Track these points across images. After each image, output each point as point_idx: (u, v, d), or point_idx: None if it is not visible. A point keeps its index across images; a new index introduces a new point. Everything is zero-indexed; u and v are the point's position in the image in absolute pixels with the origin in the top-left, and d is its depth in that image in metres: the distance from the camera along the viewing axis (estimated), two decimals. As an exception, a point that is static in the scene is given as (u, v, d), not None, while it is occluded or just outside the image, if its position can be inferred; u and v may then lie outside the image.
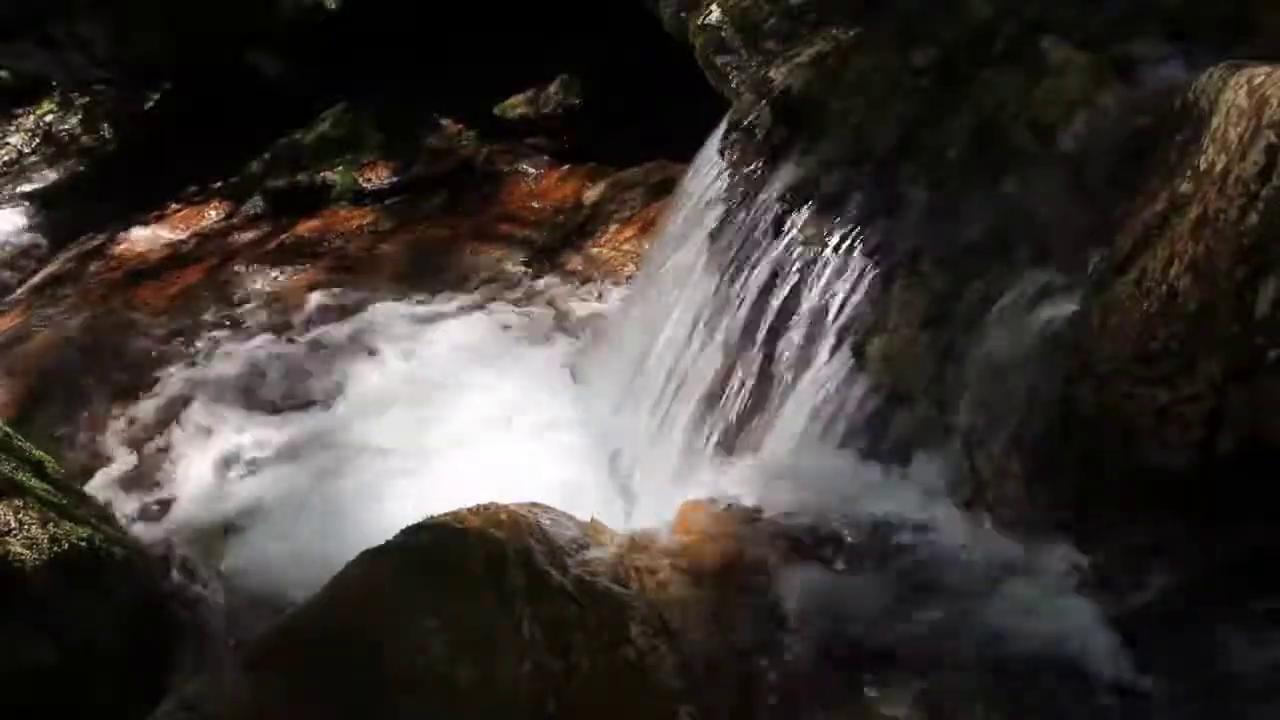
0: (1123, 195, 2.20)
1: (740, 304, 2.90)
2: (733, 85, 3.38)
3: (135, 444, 3.98)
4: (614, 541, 2.30)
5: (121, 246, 5.53)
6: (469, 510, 2.21)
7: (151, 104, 6.69)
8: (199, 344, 4.52)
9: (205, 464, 3.84)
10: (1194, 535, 1.98)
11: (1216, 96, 1.98)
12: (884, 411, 2.52)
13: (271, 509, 3.57)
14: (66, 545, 2.76)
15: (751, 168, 3.06)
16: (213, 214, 5.67)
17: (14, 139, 6.84)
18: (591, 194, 5.00)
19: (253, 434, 3.94)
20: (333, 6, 5.46)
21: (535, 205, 5.07)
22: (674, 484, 2.91)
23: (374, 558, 2.12)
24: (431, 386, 4.00)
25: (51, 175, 6.48)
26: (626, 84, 4.90)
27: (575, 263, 4.59)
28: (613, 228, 4.72)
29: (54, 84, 7.00)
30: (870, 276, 2.60)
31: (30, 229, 5.96)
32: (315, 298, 4.69)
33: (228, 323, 4.63)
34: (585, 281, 4.45)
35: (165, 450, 3.94)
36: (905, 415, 2.48)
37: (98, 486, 3.74)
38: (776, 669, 2.01)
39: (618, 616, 2.04)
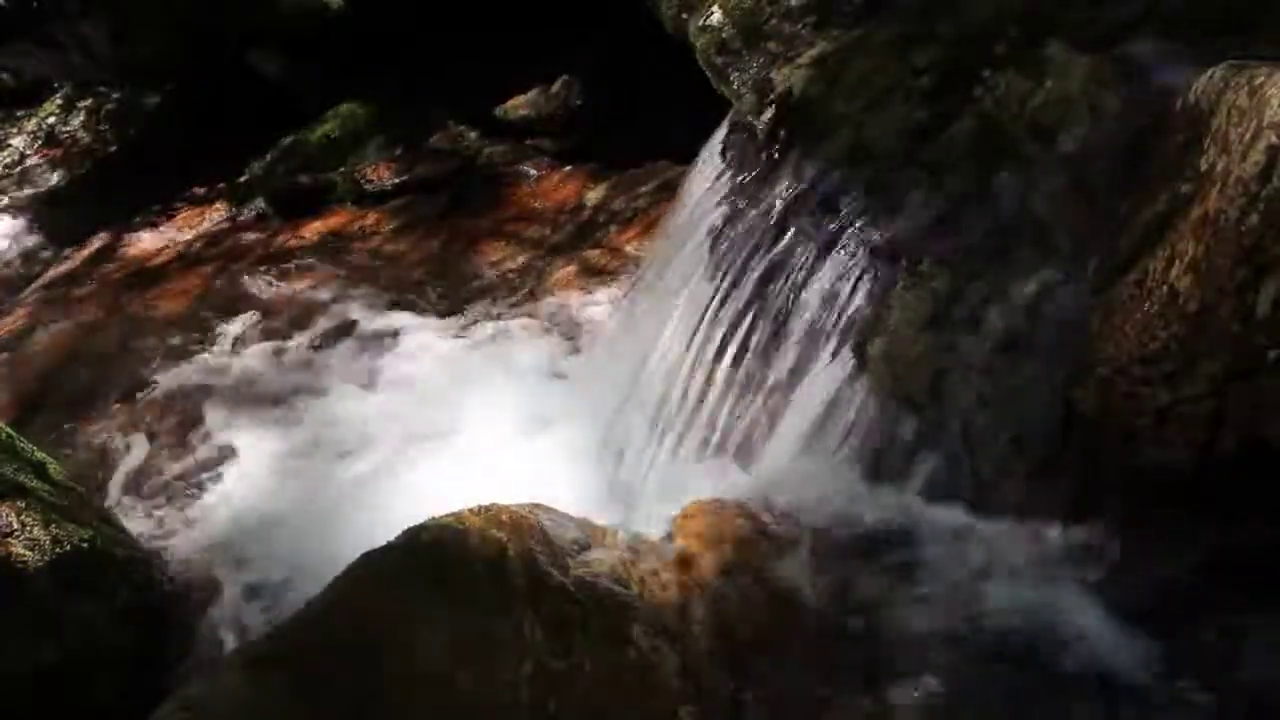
0: (1123, 196, 2.20)
1: (741, 305, 2.89)
2: (734, 86, 3.37)
3: (137, 445, 3.98)
4: (615, 543, 2.30)
5: (124, 248, 5.54)
6: (470, 511, 2.21)
7: (153, 105, 6.70)
8: (201, 345, 4.53)
9: (206, 465, 3.84)
10: (1195, 535, 1.98)
11: (1217, 97, 1.98)
12: (885, 412, 2.52)
13: (272, 509, 3.57)
14: (68, 546, 2.77)
15: (753, 169, 3.06)
16: (215, 215, 5.68)
17: (16, 140, 6.86)
18: (593, 195, 5.00)
19: (254, 435, 3.94)
20: (335, 6, 5.47)
21: (537, 206, 5.07)
22: (675, 486, 2.91)
23: (375, 558, 2.12)
24: (431, 388, 4.00)
25: (54, 177, 6.50)
26: (628, 85, 4.91)
27: (577, 264, 4.59)
28: (614, 229, 4.72)
29: (56, 85, 7.02)
30: (871, 277, 2.60)
31: (33, 230, 5.97)
32: (317, 299, 4.70)
33: (230, 324, 4.63)
34: (587, 283, 4.45)
35: (166, 451, 3.94)
36: (906, 416, 2.48)
37: (99, 487, 3.75)
38: (778, 670, 2.01)
39: (619, 617, 2.04)
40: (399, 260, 4.92)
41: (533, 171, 5.27)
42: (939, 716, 1.89)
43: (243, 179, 5.75)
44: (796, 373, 2.71)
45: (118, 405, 4.21)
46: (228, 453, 3.89)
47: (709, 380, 2.96)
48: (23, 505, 2.79)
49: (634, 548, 2.29)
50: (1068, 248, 2.28)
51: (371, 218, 5.25)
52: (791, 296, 2.75)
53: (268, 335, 4.53)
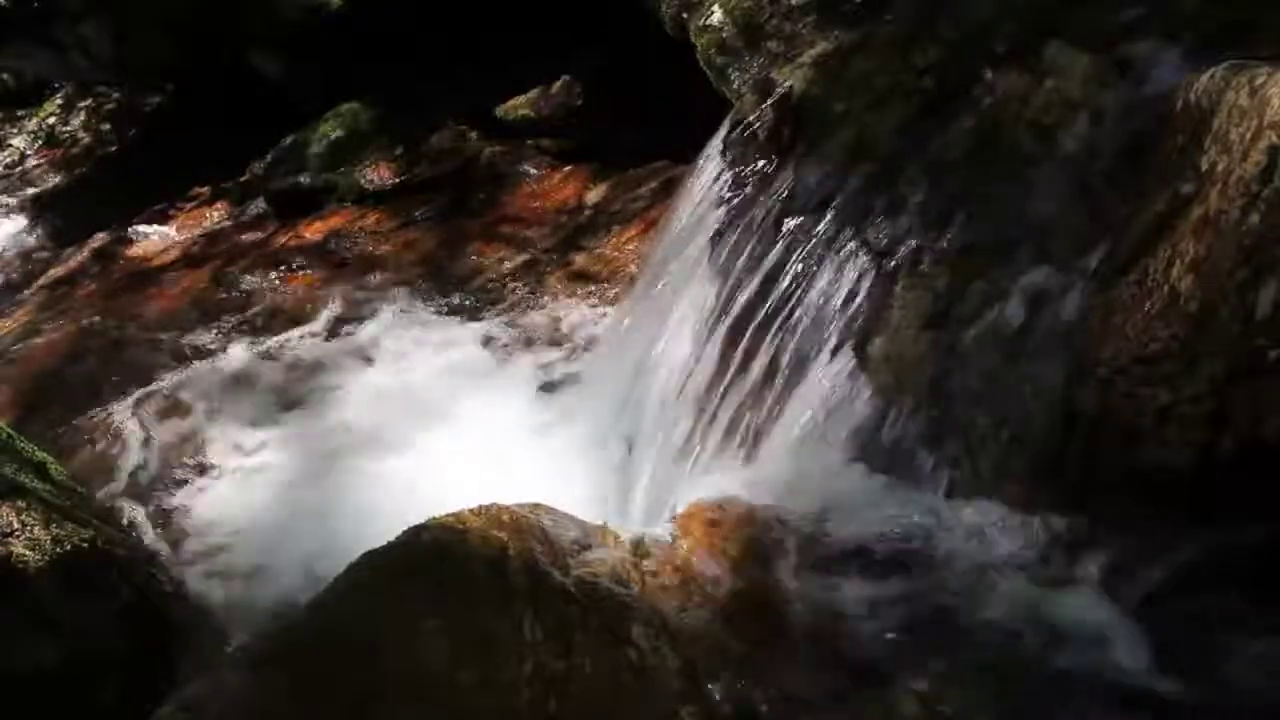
0: (1124, 196, 2.20)
1: (742, 305, 2.89)
2: (734, 86, 3.37)
3: (137, 445, 3.98)
4: (616, 543, 2.30)
5: (124, 248, 5.54)
6: (471, 511, 2.21)
7: (153, 105, 6.71)
8: (201, 346, 4.53)
9: (207, 465, 3.85)
10: (1195, 535, 1.97)
11: (1218, 97, 1.98)
12: (886, 412, 2.52)
13: (273, 510, 3.58)
14: (69, 546, 2.77)
15: (753, 169, 3.06)
16: (215, 215, 5.69)
17: (17, 140, 6.88)
18: (593, 195, 5.00)
19: (254, 435, 3.95)
20: (335, 6, 5.47)
21: (537, 206, 5.07)
22: (676, 485, 2.91)
23: (375, 558, 2.12)
24: (432, 389, 4.01)
25: (54, 177, 6.51)
26: (628, 85, 4.91)
27: (577, 264, 4.59)
28: (615, 229, 4.71)
29: (56, 85, 7.03)
30: (872, 277, 2.60)
31: (34, 231, 5.98)
32: (317, 299, 4.70)
33: (230, 325, 4.63)
34: (587, 283, 4.45)
35: (166, 451, 3.94)
36: (907, 416, 2.48)
37: (100, 487, 3.75)
38: (778, 670, 2.01)
39: (620, 617, 2.04)
40: (400, 260, 4.92)
41: (533, 171, 5.27)
42: (939, 716, 1.89)
43: (243, 179, 5.76)
44: (797, 372, 2.71)
45: (118, 405, 4.21)
46: (228, 452, 3.89)
47: (710, 380, 2.96)
48: (23, 505, 2.79)
49: (635, 548, 2.29)
50: (1068, 248, 2.28)
51: (372, 218, 5.25)
52: (792, 296, 2.75)
53: (268, 335, 4.53)
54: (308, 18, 5.51)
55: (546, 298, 4.42)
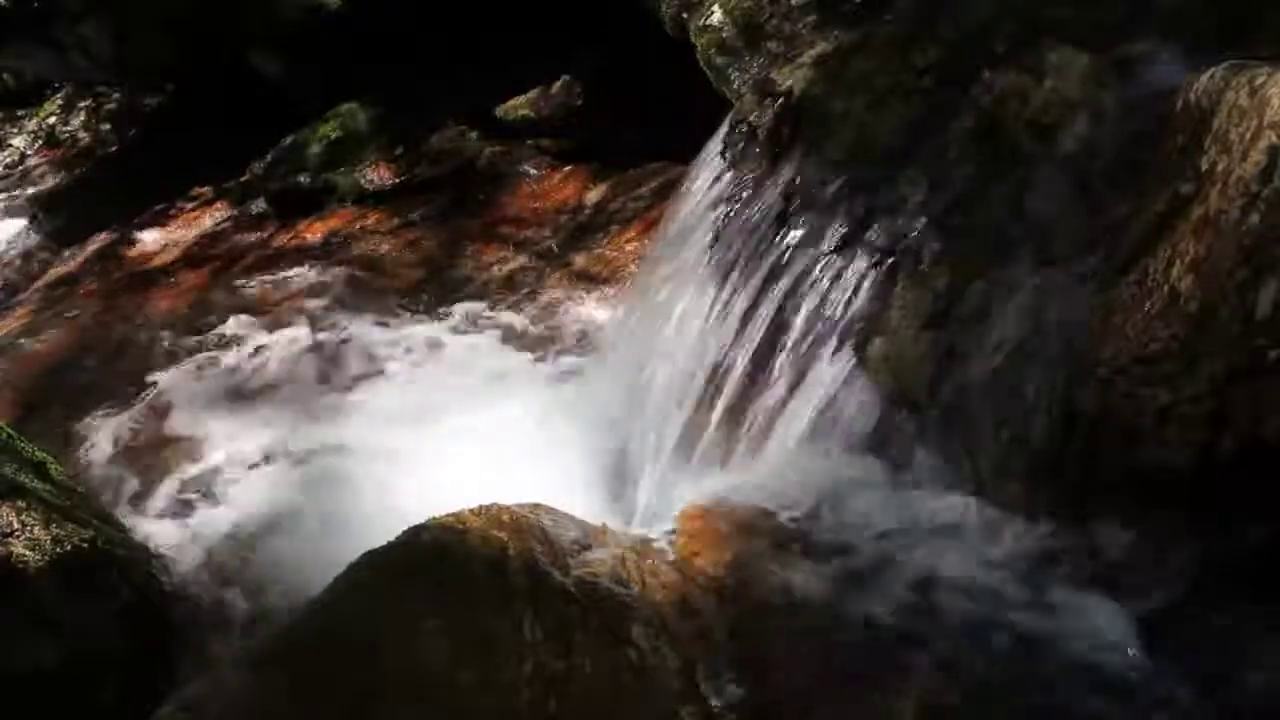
0: (1124, 196, 2.20)
1: (742, 306, 2.90)
2: (734, 86, 3.38)
3: (137, 445, 3.99)
4: (616, 543, 2.30)
5: (124, 248, 5.54)
6: (471, 511, 2.21)
7: (153, 105, 6.71)
8: (202, 346, 4.53)
9: (207, 465, 3.84)
10: (1195, 535, 1.98)
11: (1218, 97, 1.98)
12: (885, 412, 2.52)
13: (273, 510, 3.57)
14: (69, 546, 2.76)
15: (753, 169, 3.06)
16: (215, 216, 5.68)
17: (17, 140, 6.88)
18: (594, 195, 4.99)
19: (254, 435, 3.94)
20: (335, 6, 5.47)
21: (537, 206, 5.07)
22: (676, 486, 2.91)
23: (375, 559, 2.12)
24: (432, 390, 4.00)
25: (54, 177, 6.51)
26: (628, 85, 4.90)
27: (577, 264, 4.58)
28: (615, 229, 4.71)
29: (56, 85, 7.04)
30: (871, 277, 2.60)
31: (34, 231, 5.98)
32: (317, 300, 4.70)
33: (230, 324, 4.63)
34: (587, 283, 4.45)
35: (166, 451, 3.94)
36: (907, 416, 2.48)
37: (100, 487, 3.75)
38: (779, 670, 2.01)
39: (620, 617, 2.04)
40: (400, 261, 4.92)
41: (533, 171, 5.26)
42: (939, 715, 1.89)
43: (243, 179, 5.75)
44: (797, 372, 2.71)
45: (118, 405, 4.21)
46: (228, 452, 3.89)
47: (710, 380, 2.96)
48: (23, 505, 2.78)
49: (635, 548, 2.29)
50: (1068, 248, 2.28)
51: (372, 218, 5.25)
52: (792, 296, 2.75)
53: (268, 335, 4.52)
54: (308, 18, 5.51)
55: (546, 298, 4.42)
